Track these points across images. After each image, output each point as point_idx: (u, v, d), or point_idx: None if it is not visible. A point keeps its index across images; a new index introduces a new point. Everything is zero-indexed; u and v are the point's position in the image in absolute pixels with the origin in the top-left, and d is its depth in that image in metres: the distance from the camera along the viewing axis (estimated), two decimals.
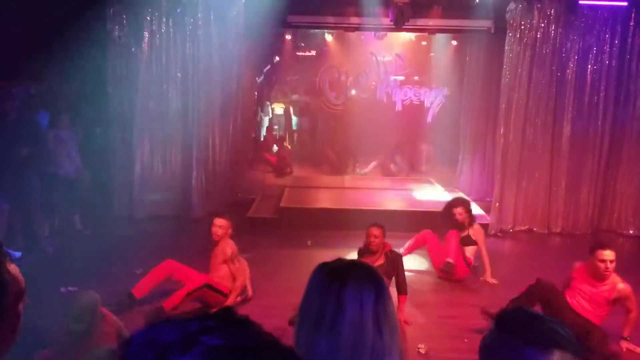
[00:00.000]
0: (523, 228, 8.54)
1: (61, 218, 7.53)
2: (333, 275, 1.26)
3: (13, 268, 1.39)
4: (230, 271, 5.34)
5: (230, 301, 5.20)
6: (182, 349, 0.62)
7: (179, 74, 8.45)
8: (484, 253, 6.23)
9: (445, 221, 6.35)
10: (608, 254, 4.39)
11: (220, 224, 5.34)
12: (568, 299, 4.61)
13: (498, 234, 8.24)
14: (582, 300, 4.57)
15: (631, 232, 8.48)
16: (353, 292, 1.23)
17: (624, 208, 8.56)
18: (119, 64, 8.26)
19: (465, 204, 6.47)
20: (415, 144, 12.26)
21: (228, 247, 5.34)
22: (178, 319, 0.68)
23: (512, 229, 8.46)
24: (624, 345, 4.66)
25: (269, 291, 5.70)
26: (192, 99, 8.45)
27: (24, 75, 8.10)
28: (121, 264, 6.29)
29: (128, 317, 4.68)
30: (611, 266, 4.39)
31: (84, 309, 3.70)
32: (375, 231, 5.21)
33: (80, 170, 7.48)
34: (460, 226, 6.20)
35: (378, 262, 5.09)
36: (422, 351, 4.52)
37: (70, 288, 5.53)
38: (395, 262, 5.13)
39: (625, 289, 4.45)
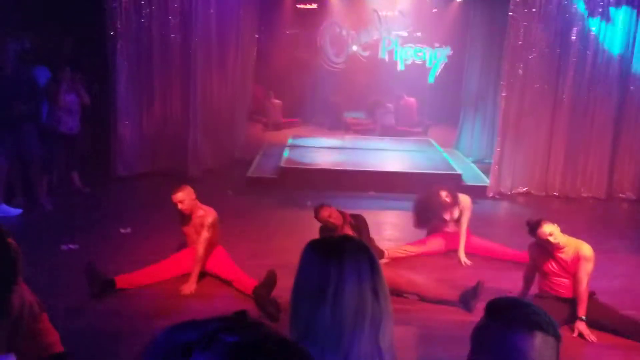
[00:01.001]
0: (521, 191, 8.58)
1: (60, 175, 7.52)
2: (329, 251, 1.38)
3: (12, 240, 1.41)
4: (211, 239, 4.91)
5: (197, 270, 4.82)
6: (203, 347, 0.67)
7: (176, 29, 8.31)
8: (465, 222, 5.76)
9: (431, 211, 5.85)
10: (546, 229, 4.19)
11: (180, 199, 4.80)
12: (548, 290, 4.37)
13: (496, 196, 8.27)
14: (559, 279, 4.31)
15: (627, 195, 8.52)
16: (351, 265, 1.34)
17: (623, 172, 8.56)
18: (117, 16, 8.09)
19: (445, 185, 6.01)
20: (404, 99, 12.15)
21: (208, 216, 4.87)
22: (196, 321, 0.74)
23: (511, 192, 8.49)
24: (580, 328, 4.16)
25: (269, 252, 5.74)
26: (192, 53, 8.32)
27: (19, 27, 7.94)
28: (117, 223, 6.29)
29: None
30: (557, 237, 4.19)
31: None
32: (325, 212, 4.92)
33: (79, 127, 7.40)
34: (450, 206, 5.77)
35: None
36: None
37: (71, 246, 5.59)
38: (359, 227, 4.95)
39: (589, 251, 4.20)
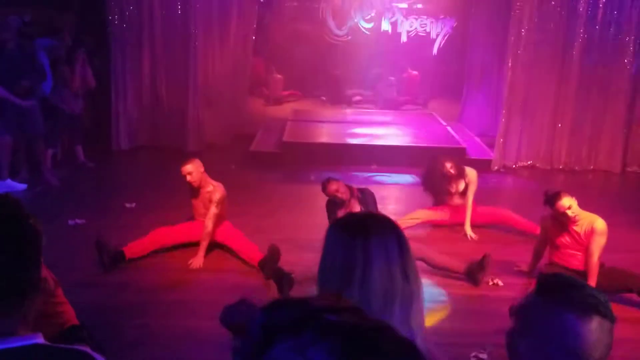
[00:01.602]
0: (526, 164, 8.56)
1: (64, 150, 7.51)
2: (354, 230, 1.31)
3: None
4: (219, 215, 4.94)
5: (205, 244, 4.87)
6: (302, 326, 0.66)
7: (176, 1, 8.21)
8: (470, 195, 5.73)
9: (436, 182, 5.83)
10: (565, 202, 4.16)
11: (189, 171, 4.82)
12: (558, 261, 4.38)
13: (501, 169, 8.25)
14: (571, 252, 4.32)
15: (634, 168, 8.50)
16: (377, 243, 1.27)
17: (630, 145, 8.51)
18: None
19: (450, 157, 5.98)
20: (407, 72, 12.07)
21: (216, 191, 4.90)
22: (290, 302, 0.72)
23: (515, 165, 8.48)
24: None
25: (273, 226, 5.75)
26: (192, 26, 8.23)
27: (19, 2, 7.84)
28: (121, 198, 6.30)
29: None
30: (575, 210, 4.18)
31: None
32: (332, 186, 4.84)
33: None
34: (456, 178, 5.74)
35: (355, 210, 4.84)
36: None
37: (78, 220, 5.60)
38: (367, 201, 4.92)
39: (603, 225, 4.20)
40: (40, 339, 1.03)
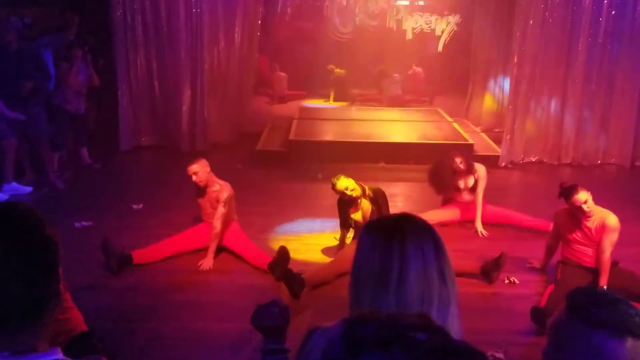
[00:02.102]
0: (533, 159, 8.49)
1: (69, 152, 7.47)
2: (390, 232, 1.26)
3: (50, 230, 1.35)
4: (226, 214, 4.88)
5: (214, 246, 4.82)
6: (390, 342, 0.66)
7: (184, 3, 8.17)
8: (480, 192, 5.67)
9: (445, 177, 5.75)
10: (582, 197, 4.09)
11: (195, 171, 4.78)
12: (570, 257, 4.33)
13: (508, 165, 8.19)
14: (582, 248, 4.25)
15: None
16: (414, 245, 1.23)
17: (636, 140, 8.43)
18: None
19: (460, 152, 5.91)
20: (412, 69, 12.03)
21: (223, 191, 4.84)
22: (376, 317, 0.72)
23: (522, 161, 8.41)
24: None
25: (281, 225, 5.70)
26: (198, 25, 8.19)
27: (20, 3, 7.81)
28: (128, 199, 6.26)
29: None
30: (590, 205, 4.11)
31: None
32: (342, 184, 4.74)
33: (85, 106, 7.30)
34: (465, 174, 5.68)
35: (366, 209, 4.85)
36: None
37: (84, 223, 5.56)
38: (378, 200, 4.83)
39: (615, 221, 4.14)
40: (59, 355, 0.99)
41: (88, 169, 7.43)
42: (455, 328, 1.23)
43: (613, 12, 7.98)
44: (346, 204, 4.88)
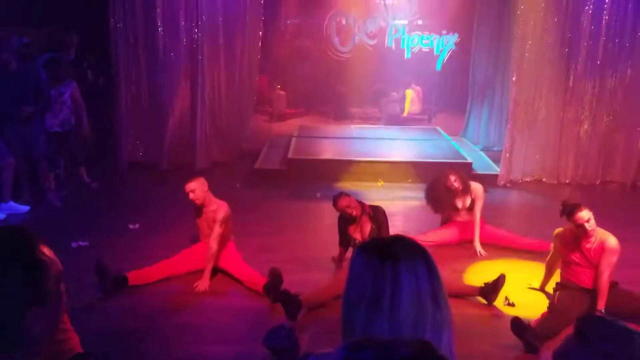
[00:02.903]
0: (532, 179, 8.48)
1: (67, 171, 7.46)
2: (383, 254, 1.24)
3: (47, 250, 1.34)
4: (223, 234, 4.86)
5: (210, 266, 4.78)
6: None
7: (182, 22, 8.22)
8: (478, 211, 5.65)
9: (441, 195, 5.74)
10: (585, 215, 4.07)
11: (192, 188, 4.76)
12: (570, 278, 4.29)
13: (507, 184, 8.17)
14: (581, 269, 4.22)
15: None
16: (407, 268, 1.21)
17: (636, 159, 8.44)
18: (123, 9, 8.03)
19: (455, 170, 5.87)
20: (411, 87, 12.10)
21: (220, 211, 4.82)
22: (375, 343, 0.73)
23: (522, 180, 8.40)
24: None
25: (280, 245, 5.67)
26: (198, 44, 8.24)
27: (21, 23, 7.85)
28: (125, 218, 6.22)
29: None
30: (592, 224, 4.09)
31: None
32: (344, 201, 4.80)
33: (68, 123, 7.13)
34: (461, 193, 5.68)
35: (365, 227, 4.86)
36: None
37: (81, 243, 5.53)
38: (378, 219, 4.85)
39: (615, 243, 4.12)
40: None
41: (86, 187, 7.41)
42: (449, 350, 1.20)
43: (612, 31, 8.03)
44: (347, 222, 4.87)
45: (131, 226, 6.04)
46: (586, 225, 4.08)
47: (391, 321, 1.16)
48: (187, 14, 8.20)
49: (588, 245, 4.17)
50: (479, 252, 5.57)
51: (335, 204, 4.86)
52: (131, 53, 8.24)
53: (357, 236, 4.87)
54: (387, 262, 1.21)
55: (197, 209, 4.96)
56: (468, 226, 5.73)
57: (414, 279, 1.19)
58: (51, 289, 1.12)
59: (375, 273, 1.21)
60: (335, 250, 5.19)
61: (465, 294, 4.60)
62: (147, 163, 8.51)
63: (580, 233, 4.14)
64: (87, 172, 7.55)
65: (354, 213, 4.79)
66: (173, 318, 4.26)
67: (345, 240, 4.99)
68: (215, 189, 5.12)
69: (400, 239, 1.31)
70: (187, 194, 4.81)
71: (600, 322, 1.20)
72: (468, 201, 5.76)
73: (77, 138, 7.27)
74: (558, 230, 4.40)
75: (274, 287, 4.46)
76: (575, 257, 4.24)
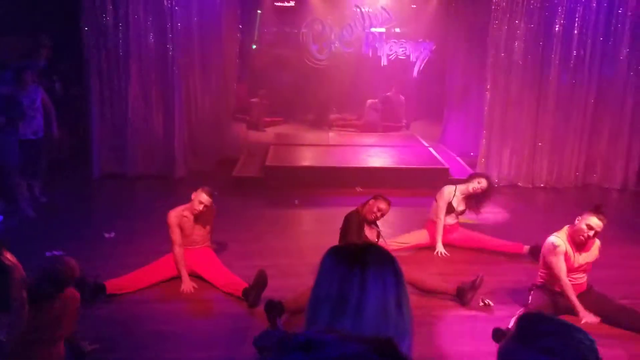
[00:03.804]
0: (508, 183, 8.60)
1: (43, 180, 7.33)
2: (352, 260, 1.26)
3: (10, 256, 1.33)
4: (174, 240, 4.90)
5: (181, 269, 4.84)
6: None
7: (157, 31, 8.18)
8: (439, 213, 5.75)
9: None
10: (598, 223, 4.15)
11: (209, 203, 4.92)
12: (545, 283, 4.37)
13: None
14: (579, 274, 4.32)
15: (614, 184, 8.59)
16: (375, 275, 1.23)
17: (608, 162, 8.63)
18: (94, 18, 7.96)
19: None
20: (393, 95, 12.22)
21: (211, 216, 5.07)
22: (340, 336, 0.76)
23: (497, 184, 8.49)
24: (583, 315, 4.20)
25: (258, 253, 5.65)
26: (172, 52, 8.20)
27: None
28: (100, 227, 6.15)
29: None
30: (593, 236, 4.18)
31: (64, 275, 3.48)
32: (383, 205, 4.92)
33: (42, 130, 6.89)
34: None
35: (373, 230, 5.02)
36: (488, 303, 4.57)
37: (55, 252, 5.44)
38: (347, 223, 4.96)
39: (548, 242, 4.27)
40: None
41: (36, 200, 7.00)
42: (409, 355, 1.21)
43: (583, 37, 8.20)
44: (362, 223, 4.92)
45: (107, 235, 5.97)
46: (597, 229, 4.15)
47: (354, 324, 1.19)
48: (161, 23, 8.16)
49: (587, 252, 4.29)
50: (441, 252, 5.65)
51: (375, 201, 4.92)
52: (104, 62, 8.13)
53: (372, 238, 4.99)
54: (355, 269, 1.23)
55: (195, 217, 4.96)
56: (445, 229, 5.80)
57: (381, 287, 1.22)
58: (15, 295, 1.11)
59: (344, 277, 1.23)
60: (313, 256, 5.17)
61: (441, 291, 4.64)
62: (122, 173, 8.40)
63: (581, 233, 4.16)
64: (41, 186, 7.17)
65: (375, 219, 4.96)
66: (151, 325, 4.21)
67: (358, 239, 4.96)
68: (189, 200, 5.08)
69: (372, 247, 1.34)
70: (201, 203, 4.84)
71: (538, 319, 1.22)
72: (461, 207, 5.86)
73: (45, 146, 7.07)
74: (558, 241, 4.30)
75: (255, 289, 4.45)
76: (577, 259, 4.30)
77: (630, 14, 8.11)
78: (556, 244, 4.21)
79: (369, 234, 4.97)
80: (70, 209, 7.03)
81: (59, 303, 3.32)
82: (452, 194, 5.83)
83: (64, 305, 3.37)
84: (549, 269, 4.25)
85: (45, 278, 3.20)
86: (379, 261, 1.27)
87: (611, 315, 4.21)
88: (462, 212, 5.93)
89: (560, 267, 4.19)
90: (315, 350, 0.69)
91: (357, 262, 1.25)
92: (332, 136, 11.14)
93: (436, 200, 5.85)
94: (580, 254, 4.26)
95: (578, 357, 1.12)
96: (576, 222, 4.25)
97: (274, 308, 4.17)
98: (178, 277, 4.81)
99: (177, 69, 8.28)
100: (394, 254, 1.33)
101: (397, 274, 1.27)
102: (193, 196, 4.93)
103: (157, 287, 4.80)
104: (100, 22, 7.99)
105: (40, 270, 3.29)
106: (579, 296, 4.24)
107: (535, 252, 5.48)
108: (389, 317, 1.21)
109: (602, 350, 1.18)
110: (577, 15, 8.15)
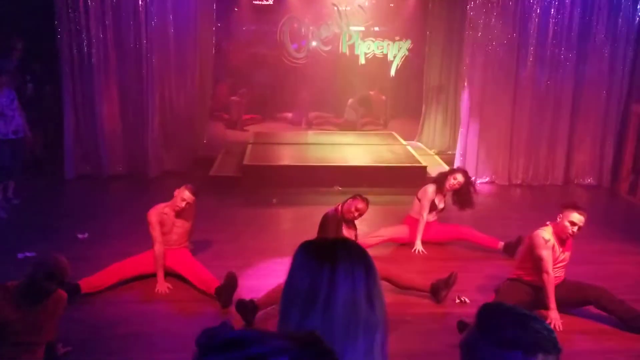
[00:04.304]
0: (484, 180, 8.67)
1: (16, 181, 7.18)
2: (322, 255, 1.26)
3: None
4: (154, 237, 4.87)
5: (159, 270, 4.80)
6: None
7: (132, 28, 8.07)
8: (421, 211, 5.83)
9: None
10: (580, 218, 4.21)
11: (192, 200, 4.87)
12: (522, 276, 4.42)
13: None
14: (559, 270, 4.37)
15: (589, 181, 8.71)
16: (345, 270, 1.23)
17: (583, 160, 8.75)
18: (69, 18, 7.83)
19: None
20: (375, 95, 12.26)
21: (192, 214, 5.04)
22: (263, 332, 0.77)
23: (475, 182, 8.55)
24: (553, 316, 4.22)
25: (235, 252, 5.62)
26: (145, 51, 8.10)
27: None
28: (74, 228, 6.05)
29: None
30: (577, 231, 4.25)
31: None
32: (361, 205, 4.85)
33: (22, 130, 6.79)
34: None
35: (352, 230, 4.97)
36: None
37: (27, 254, 5.34)
38: (323, 224, 4.90)
39: (534, 235, 4.36)
40: None
41: (8, 201, 6.90)
42: (382, 351, 1.22)
43: (558, 35, 8.30)
44: (340, 223, 4.87)
45: (80, 236, 5.88)
46: (579, 225, 4.22)
47: (324, 319, 1.19)
48: (135, 22, 8.04)
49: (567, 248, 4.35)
50: (419, 250, 5.69)
51: (350, 204, 4.85)
52: (77, 61, 7.99)
53: (350, 237, 4.92)
54: (325, 264, 1.23)
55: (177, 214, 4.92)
56: (424, 226, 5.83)
57: (350, 282, 1.22)
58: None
59: (314, 272, 1.23)
60: (291, 255, 5.14)
61: (416, 288, 4.66)
62: (96, 173, 8.28)
63: (566, 230, 4.24)
64: (14, 187, 7.05)
65: (353, 219, 4.90)
66: (125, 327, 4.15)
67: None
68: (168, 198, 5.02)
69: (343, 242, 1.34)
70: (184, 200, 4.80)
71: (498, 310, 1.23)
72: (442, 205, 5.93)
73: (23, 146, 6.97)
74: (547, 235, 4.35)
75: (226, 291, 4.42)
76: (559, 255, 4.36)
77: (604, 12, 8.23)
78: (547, 238, 4.29)
79: (347, 233, 4.94)
80: (42, 210, 6.91)
81: (51, 303, 3.26)
82: (435, 192, 5.87)
83: (54, 306, 3.32)
84: (536, 262, 4.26)
85: (45, 275, 3.13)
86: (350, 256, 1.26)
87: (588, 294, 4.31)
88: (442, 210, 5.96)
89: (550, 260, 4.27)
90: (234, 349, 0.71)
91: (328, 257, 1.24)
92: (310, 135, 11.12)
93: (419, 199, 5.88)
94: (562, 250, 4.34)
95: (536, 347, 1.12)
96: (558, 219, 4.32)
97: (245, 307, 4.15)
98: (152, 276, 4.75)
99: (152, 68, 8.18)
100: (372, 249, 1.33)
101: (368, 268, 1.26)
102: (176, 193, 4.89)
103: (132, 288, 4.74)
104: (74, 22, 7.85)
105: (37, 267, 3.20)
106: (556, 287, 4.30)
107: (510, 249, 5.56)
108: (359, 312, 1.21)
109: (576, 346, 1.19)
110: (551, 13, 8.24)
